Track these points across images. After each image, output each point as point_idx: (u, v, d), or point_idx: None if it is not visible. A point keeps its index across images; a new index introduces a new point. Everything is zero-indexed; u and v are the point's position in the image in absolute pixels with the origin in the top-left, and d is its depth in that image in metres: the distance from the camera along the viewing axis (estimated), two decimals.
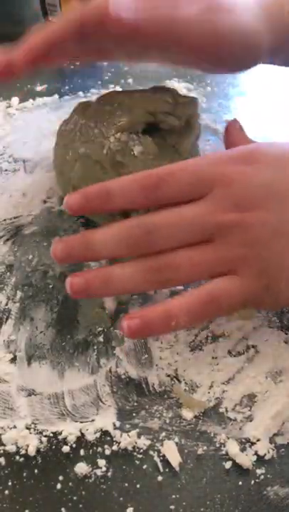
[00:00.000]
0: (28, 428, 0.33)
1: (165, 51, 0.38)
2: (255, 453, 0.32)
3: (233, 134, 0.41)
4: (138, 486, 0.31)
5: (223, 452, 0.32)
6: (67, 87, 0.66)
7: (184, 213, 0.33)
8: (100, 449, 0.32)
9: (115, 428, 0.33)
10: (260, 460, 0.32)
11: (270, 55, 0.41)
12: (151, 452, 0.32)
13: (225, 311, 0.35)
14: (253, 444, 0.32)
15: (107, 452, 0.32)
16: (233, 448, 0.32)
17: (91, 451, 0.32)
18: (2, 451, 0.32)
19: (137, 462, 0.32)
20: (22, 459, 0.31)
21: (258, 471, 0.31)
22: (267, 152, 0.35)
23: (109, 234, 0.33)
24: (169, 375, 0.36)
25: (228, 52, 0.38)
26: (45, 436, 0.32)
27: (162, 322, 0.31)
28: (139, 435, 0.33)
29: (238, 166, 0.34)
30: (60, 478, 0.31)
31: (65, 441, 0.32)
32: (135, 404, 0.34)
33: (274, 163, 0.34)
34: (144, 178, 0.33)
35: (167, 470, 0.31)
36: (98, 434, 0.33)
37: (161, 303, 0.33)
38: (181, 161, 0.35)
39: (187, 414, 0.34)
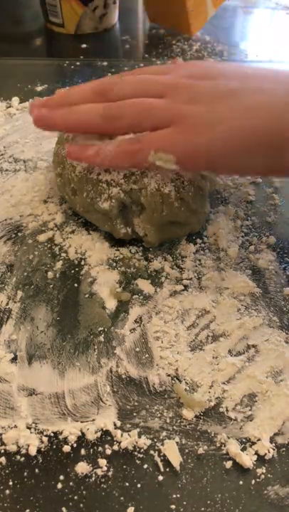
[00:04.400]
0: (28, 428, 0.33)
1: None
2: (256, 452, 0.32)
3: None
4: (139, 485, 0.31)
5: (224, 452, 0.32)
6: (67, 87, 0.66)
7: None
8: (100, 448, 0.32)
9: (116, 428, 0.33)
10: (260, 460, 0.32)
11: None
12: (151, 452, 0.32)
13: (144, 157, 0.39)
14: (253, 443, 0.32)
15: (108, 452, 0.32)
16: (233, 448, 0.32)
17: (92, 450, 0.32)
18: (3, 451, 0.32)
19: (138, 462, 0.32)
20: (23, 459, 0.32)
21: (259, 471, 0.31)
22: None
23: (83, 108, 0.41)
24: (169, 375, 0.36)
25: None
26: (46, 435, 0.32)
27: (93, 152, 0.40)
28: (139, 435, 0.33)
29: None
30: (61, 477, 0.31)
31: (65, 441, 0.32)
32: (136, 403, 0.34)
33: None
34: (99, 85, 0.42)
35: (168, 470, 0.31)
36: (99, 434, 0.33)
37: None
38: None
39: (188, 413, 0.34)
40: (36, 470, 0.31)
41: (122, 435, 0.33)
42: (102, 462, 0.31)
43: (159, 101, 0.39)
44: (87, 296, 0.41)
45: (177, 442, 0.32)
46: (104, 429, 0.33)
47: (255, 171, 0.42)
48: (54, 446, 0.32)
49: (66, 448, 0.32)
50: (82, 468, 0.31)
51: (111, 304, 0.40)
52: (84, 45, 0.77)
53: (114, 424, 0.33)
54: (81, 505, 0.30)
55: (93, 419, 0.33)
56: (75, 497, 0.30)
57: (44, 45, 0.78)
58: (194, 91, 0.39)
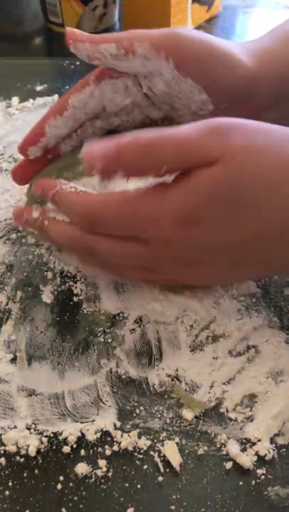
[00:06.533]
0: (28, 428, 0.33)
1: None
2: (256, 453, 0.32)
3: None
4: (138, 486, 0.31)
5: (224, 452, 0.32)
6: (67, 87, 0.66)
7: (126, 250, 0.35)
8: (100, 449, 0.32)
9: (116, 428, 0.33)
10: (260, 460, 0.32)
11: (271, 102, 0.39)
12: (151, 452, 0.32)
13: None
14: (253, 444, 0.32)
15: (108, 452, 0.32)
16: (233, 448, 0.32)
17: (91, 451, 0.32)
18: (2, 452, 0.32)
19: (138, 462, 0.32)
20: (22, 460, 0.31)
21: (259, 472, 0.31)
22: (214, 208, 0.32)
23: (61, 233, 0.37)
24: (169, 375, 0.36)
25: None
26: (46, 436, 0.32)
27: None
28: (139, 435, 0.33)
29: (179, 230, 0.32)
30: (61, 478, 0.31)
31: (65, 442, 0.32)
32: (136, 404, 0.34)
33: (222, 221, 0.32)
34: (81, 215, 0.35)
35: (168, 470, 0.31)
36: (99, 435, 0.33)
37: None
38: (122, 200, 0.33)
39: (188, 414, 0.34)
40: (36, 471, 0.31)
41: (121, 436, 0.32)
42: (102, 463, 0.31)
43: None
44: (87, 296, 0.40)
45: (177, 443, 0.32)
46: (104, 429, 0.33)
47: None
48: (54, 447, 0.32)
49: (66, 449, 0.32)
50: (81, 468, 0.31)
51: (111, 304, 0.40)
52: None
53: (114, 425, 0.33)
54: (81, 506, 0.30)
55: (93, 420, 0.33)
56: (75, 498, 0.30)
57: (44, 44, 0.78)
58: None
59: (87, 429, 0.33)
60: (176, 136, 0.32)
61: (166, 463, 0.32)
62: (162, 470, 0.31)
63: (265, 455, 0.32)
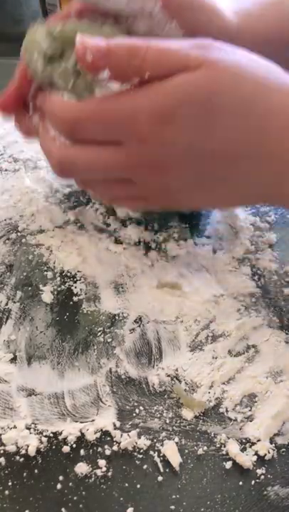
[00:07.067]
0: (28, 428, 0.33)
1: None
2: (256, 453, 0.32)
3: None
4: (138, 486, 0.31)
5: (224, 452, 0.32)
6: None
7: (104, 159, 0.35)
8: (100, 449, 0.32)
9: (115, 428, 0.33)
10: (260, 460, 0.32)
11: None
12: (151, 452, 0.32)
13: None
14: (253, 444, 0.32)
15: (108, 452, 0.32)
16: (233, 448, 0.32)
17: (91, 451, 0.32)
18: (2, 451, 0.32)
19: (137, 462, 0.32)
20: (22, 459, 0.31)
21: (259, 471, 0.31)
22: (190, 108, 0.33)
23: (47, 146, 0.39)
24: (169, 375, 0.36)
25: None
26: (46, 436, 0.32)
27: None
28: (139, 435, 0.33)
29: (155, 126, 0.33)
30: (61, 478, 0.31)
31: (65, 442, 0.32)
32: (135, 404, 0.34)
33: (196, 123, 0.33)
34: (62, 122, 0.36)
35: (167, 470, 0.31)
36: (98, 434, 0.33)
37: None
38: (102, 102, 0.35)
39: (187, 414, 0.34)
40: (36, 470, 0.31)
41: (121, 436, 0.32)
42: (102, 463, 0.31)
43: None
44: (86, 295, 0.41)
45: (177, 443, 0.32)
46: (103, 429, 0.33)
47: None
48: (53, 447, 0.32)
49: (66, 448, 0.32)
50: (81, 468, 0.31)
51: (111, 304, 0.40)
52: None
53: (114, 425, 0.33)
54: (81, 505, 0.30)
55: (93, 420, 0.33)
56: (75, 497, 0.30)
57: None
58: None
59: (87, 429, 0.33)
60: (161, 44, 0.33)
61: (166, 463, 0.31)
62: (162, 470, 0.31)
63: (265, 455, 0.32)
